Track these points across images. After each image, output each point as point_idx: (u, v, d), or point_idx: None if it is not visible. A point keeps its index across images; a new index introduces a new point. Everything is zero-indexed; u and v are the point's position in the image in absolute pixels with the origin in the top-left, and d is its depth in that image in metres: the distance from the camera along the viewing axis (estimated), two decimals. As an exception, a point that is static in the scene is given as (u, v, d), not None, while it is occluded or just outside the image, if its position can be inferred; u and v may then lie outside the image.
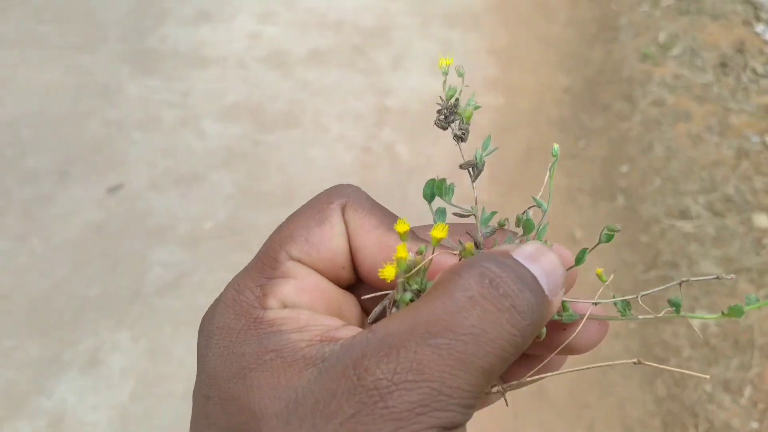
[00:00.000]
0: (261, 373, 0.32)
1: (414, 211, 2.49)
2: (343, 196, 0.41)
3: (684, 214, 2.31)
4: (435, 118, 0.41)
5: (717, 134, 2.62)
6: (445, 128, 0.41)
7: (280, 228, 0.40)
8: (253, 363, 0.33)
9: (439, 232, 0.37)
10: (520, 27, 3.39)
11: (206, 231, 2.45)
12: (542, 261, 0.34)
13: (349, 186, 0.43)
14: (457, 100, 0.41)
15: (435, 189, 0.41)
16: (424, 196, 0.41)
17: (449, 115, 0.41)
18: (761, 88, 2.81)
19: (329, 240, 0.38)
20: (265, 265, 0.38)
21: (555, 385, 1.91)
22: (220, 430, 0.33)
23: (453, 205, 0.41)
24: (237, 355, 0.34)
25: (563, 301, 0.38)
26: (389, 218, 0.40)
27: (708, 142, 2.59)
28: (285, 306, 0.36)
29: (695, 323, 1.99)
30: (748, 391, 1.81)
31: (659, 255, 2.19)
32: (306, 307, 0.36)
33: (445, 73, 0.41)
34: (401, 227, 0.37)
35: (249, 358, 0.33)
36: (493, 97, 2.99)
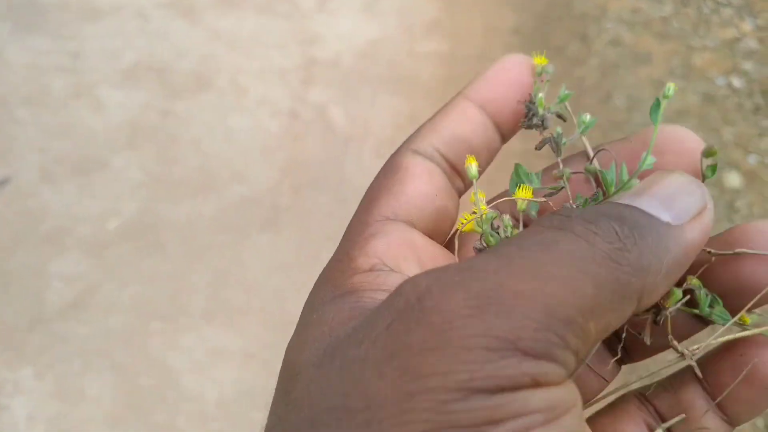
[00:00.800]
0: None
1: (351, 191, 2.19)
2: (406, 144, 0.39)
3: (650, 177, 2.10)
4: (524, 122, 0.37)
5: (680, 78, 2.37)
6: (533, 128, 0.37)
7: (366, 194, 0.37)
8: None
9: (523, 192, 0.36)
10: (458, -46, 3.00)
11: (112, 232, 2.10)
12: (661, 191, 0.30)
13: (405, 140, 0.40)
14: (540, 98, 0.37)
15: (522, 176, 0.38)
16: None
17: (542, 115, 0.37)
18: (723, 19, 2.55)
19: (409, 180, 0.36)
20: (353, 231, 0.35)
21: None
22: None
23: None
24: (323, 316, 0.30)
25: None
26: None
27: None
28: (373, 267, 0.32)
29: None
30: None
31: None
32: (394, 265, 0.33)
33: (540, 73, 0.38)
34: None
35: (328, 316, 0.30)
36: (435, 44, 2.64)
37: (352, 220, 0.36)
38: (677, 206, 0.29)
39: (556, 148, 0.38)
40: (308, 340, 0.29)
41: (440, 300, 0.25)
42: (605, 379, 0.36)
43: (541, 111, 0.37)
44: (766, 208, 1.99)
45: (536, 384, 0.25)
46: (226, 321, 1.90)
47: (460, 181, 0.39)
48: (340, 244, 0.35)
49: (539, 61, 0.38)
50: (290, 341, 0.31)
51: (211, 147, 2.32)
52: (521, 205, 0.36)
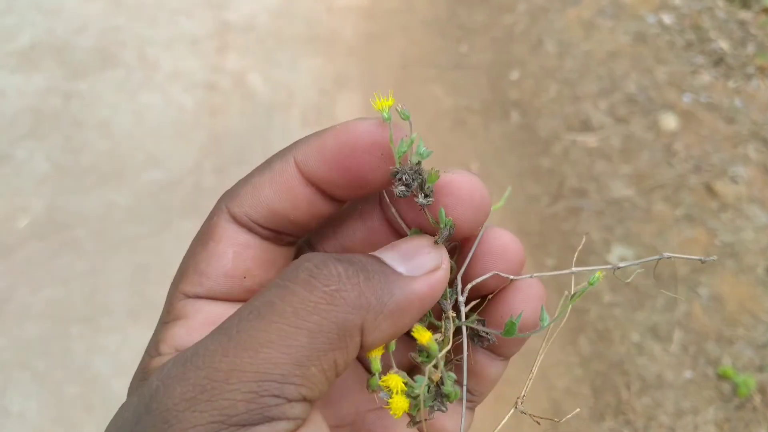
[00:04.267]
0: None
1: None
2: (222, 201, 0.36)
3: (586, 125, 2.02)
4: (395, 188, 0.34)
5: (611, 17, 2.29)
6: (406, 196, 0.35)
7: (180, 265, 0.37)
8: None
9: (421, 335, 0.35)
10: None
11: (21, 232, 1.92)
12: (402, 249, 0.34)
13: (228, 189, 0.37)
14: (419, 163, 0.35)
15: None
16: None
17: (412, 181, 0.34)
18: (650, -48, 2.47)
19: (217, 259, 0.35)
20: (164, 311, 0.36)
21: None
22: None
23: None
24: (124, 409, 0.32)
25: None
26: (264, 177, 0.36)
27: (602, 29, 2.26)
28: (177, 350, 0.34)
29: (614, 260, 1.77)
30: (677, 335, 1.64)
31: (565, 181, 1.92)
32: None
33: (388, 119, 0.35)
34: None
35: (125, 407, 0.32)
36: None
37: (167, 295, 0.36)
38: (413, 262, 0.33)
39: (445, 236, 0.36)
40: (114, 424, 0.31)
41: (162, 399, 0.28)
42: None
43: (405, 178, 0.34)
44: (703, 149, 1.95)
45: None
46: (151, 318, 1.77)
47: (287, 236, 0.38)
48: (156, 324, 0.36)
49: (381, 104, 0.35)
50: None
51: (121, 129, 2.14)
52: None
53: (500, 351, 0.40)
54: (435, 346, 0.35)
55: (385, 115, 0.34)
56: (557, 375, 1.62)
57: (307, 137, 0.35)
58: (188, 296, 0.35)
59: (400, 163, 0.34)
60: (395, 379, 0.34)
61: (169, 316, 0.35)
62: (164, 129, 2.14)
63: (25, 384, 1.70)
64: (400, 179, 0.34)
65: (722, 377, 1.56)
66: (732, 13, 2.33)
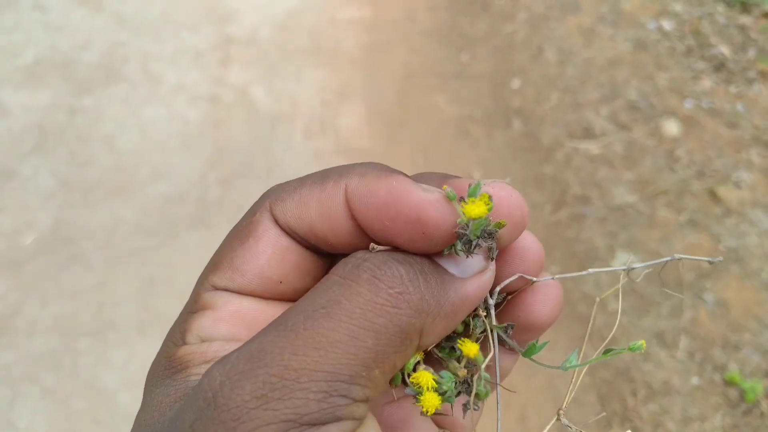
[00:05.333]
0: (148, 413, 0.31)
1: (283, 176, 2.07)
2: (267, 197, 0.36)
3: (588, 132, 2.03)
4: (459, 247, 0.34)
5: (611, 25, 2.30)
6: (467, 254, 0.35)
7: (213, 255, 0.36)
8: (156, 405, 0.31)
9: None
10: None
11: (28, 248, 1.94)
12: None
13: (276, 186, 0.37)
14: (488, 220, 0.34)
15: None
16: None
17: (482, 240, 0.34)
18: (649, -41, 2.48)
19: (254, 258, 0.35)
20: (190, 300, 0.36)
21: (476, 369, 1.67)
22: None
23: None
24: (154, 399, 0.32)
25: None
26: (319, 186, 0.35)
27: (602, 36, 2.27)
28: (203, 340, 0.34)
29: (619, 266, 1.77)
30: (683, 342, 1.64)
31: (567, 188, 1.92)
32: (224, 336, 0.34)
33: (453, 197, 0.33)
34: None
35: (158, 399, 0.31)
36: (356, 9, 2.51)
37: (195, 284, 0.36)
38: (464, 264, 0.34)
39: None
40: (144, 422, 0.31)
41: (230, 396, 0.28)
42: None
43: (473, 238, 0.34)
44: (706, 154, 1.95)
45: None
46: (159, 331, 1.78)
47: (326, 245, 0.37)
48: (180, 314, 0.36)
49: (476, 211, 0.33)
50: (133, 425, 0.33)
51: (126, 143, 2.16)
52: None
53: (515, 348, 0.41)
54: (481, 358, 0.36)
55: (450, 194, 0.33)
56: (563, 383, 1.62)
57: (367, 169, 0.35)
58: (217, 288, 0.35)
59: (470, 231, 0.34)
60: (426, 376, 0.34)
61: (195, 306, 0.35)
62: (169, 142, 2.15)
63: (33, 398, 1.71)
64: (464, 241, 0.34)
65: (729, 383, 1.56)
66: (732, 18, 2.34)
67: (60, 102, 2.29)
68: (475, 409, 0.38)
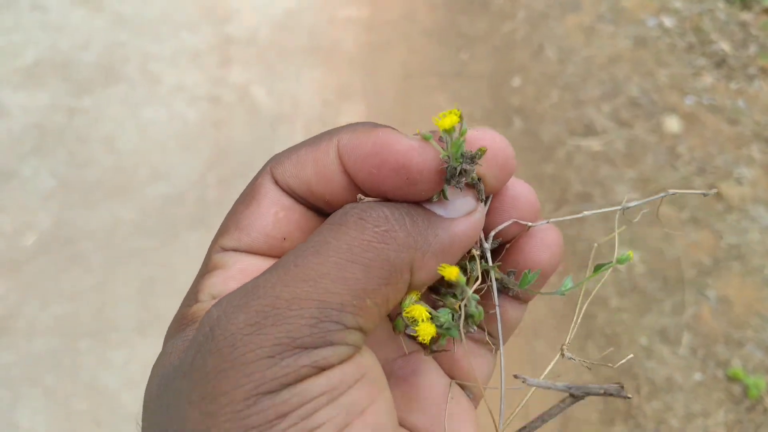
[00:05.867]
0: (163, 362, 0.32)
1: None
2: (268, 163, 0.37)
3: (589, 130, 2.03)
4: (451, 181, 0.35)
5: (611, 22, 2.30)
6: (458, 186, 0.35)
7: (222, 222, 0.38)
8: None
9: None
10: None
11: (27, 248, 1.93)
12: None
13: (277, 153, 0.38)
14: (474, 156, 0.35)
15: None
16: None
17: (465, 171, 0.35)
18: (649, -44, 2.48)
19: (258, 218, 0.36)
20: (202, 266, 0.37)
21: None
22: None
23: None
24: (166, 351, 0.33)
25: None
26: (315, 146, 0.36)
27: (602, 34, 2.27)
28: (214, 297, 0.35)
29: (620, 267, 1.76)
30: (686, 338, 1.63)
31: (569, 186, 1.92)
32: None
33: (451, 131, 0.34)
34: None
35: (169, 350, 0.33)
36: (355, 9, 2.50)
37: (207, 252, 0.38)
38: (451, 206, 0.35)
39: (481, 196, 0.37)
40: (156, 373, 0.32)
41: (226, 326, 0.29)
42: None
43: (455, 164, 0.35)
44: (707, 151, 1.94)
45: (319, 370, 0.29)
46: (159, 331, 1.77)
47: (324, 203, 0.38)
48: (195, 278, 0.37)
49: (448, 122, 0.34)
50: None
51: (126, 144, 2.16)
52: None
53: (519, 295, 0.42)
54: (463, 279, 0.36)
55: (449, 130, 0.34)
56: (566, 380, 1.62)
57: (357, 126, 0.36)
58: (226, 250, 0.36)
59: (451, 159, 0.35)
60: (419, 309, 0.35)
61: (206, 269, 0.36)
62: (168, 142, 2.15)
63: (34, 399, 1.71)
64: (458, 172, 0.35)
65: (732, 379, 1.55)
66: (733, 15, 2.33)
67: (59, 102, 2.29)
68: (471, 332, 0.39)
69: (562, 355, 0.39)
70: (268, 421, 0.28)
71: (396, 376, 0.42)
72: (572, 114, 2.06)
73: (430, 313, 0.36)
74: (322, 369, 0.29)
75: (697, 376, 1.58)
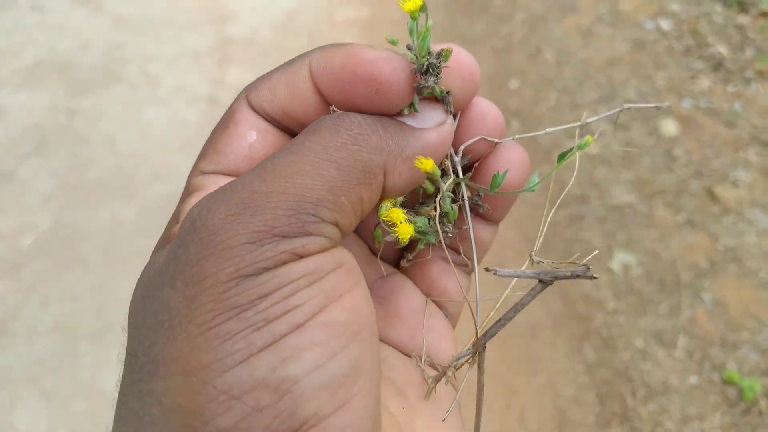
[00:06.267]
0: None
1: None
2: (244, 90, 0.38)
3: (586, 133, 2.03)
4: (417, 84, 0.36)
5: (609, 25, 2.31)
6: (427, 89, 0.36)
7: (201, 148, 0.39)
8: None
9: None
10: None
11: (27, 249, 1.94)
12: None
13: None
14: (440, 54, 0.36)
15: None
16: None
17: (433, 70, 0.36)
18: (647, -42, 2.48)
19: (235, 140, 0.37)
20: (184, 189, 0.38)
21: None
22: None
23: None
24: (150, 261, 0.34)
25: None
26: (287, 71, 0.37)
27: (600, 36, 2.28)
28: None
29: (617, 266, 1.78)
30: (681, 341, 1.64)
31: (566, 188, 1.92)
32: None
33: (416, 17, 0.36)
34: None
35: (153, 259, 0.33)
36: (355, 10, 2.51)
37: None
38: (422, 116, 0.37)
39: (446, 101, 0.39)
40: (140, 283, 0.33)
41: (207, 217, 0.30)
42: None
43: (422, 60, 0.36)
44: (704, 154, 1.96)
45: (298, 256, 0.30)
46: (159, 332, 1.78)
47: (299, 126, 0.39)
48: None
49: (412, 4, 0.36)
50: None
51: (126, 145, 2.17)
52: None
53: (489, 215, 0.44)
54: (438, 171, 0.37)
55: (414, 16, 0.35)
56: (563, 383, 1.63)
57: (327, 47, 0.37)
58: (205, 173, 0.37)
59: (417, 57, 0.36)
60: (396, 212, 0.36)
61: (186, 192, 0.37)
62: (169, 143, 2.16)
63: (33, 401, 1.71)
64: (428, 72, 0.36)
65: (728, 382, 1.57)
66: (730, 18, 2.34)
67: (60, 103, 2.30)
68: (445, 231, 0.41)
69: (531, 260, 0.40)
70: (250, 300, 0.29)
71: (376, 296, 0.44)
72: (570, 117, 2.07)
73: (407, 216, 0.37)
74: (300, 256, 0.30)
75: (693, 379, 1.59)
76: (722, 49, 2.24)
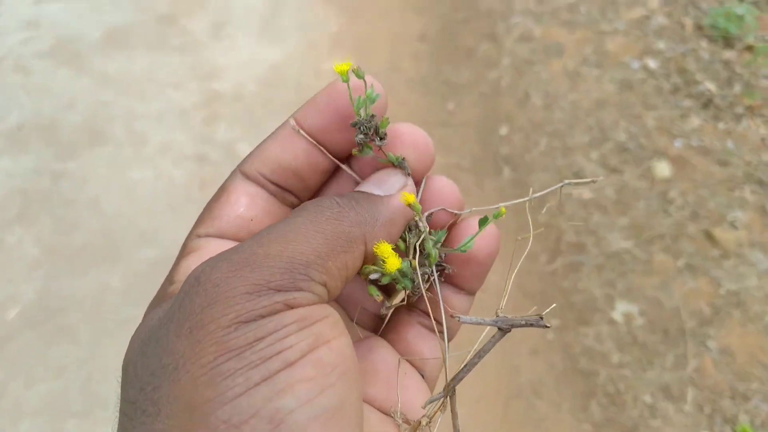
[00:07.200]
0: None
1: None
2: (238, 166, 0.44)
3: (578, 177, 2.01)
4: (356, 136, 0.43)
5: (595, 66, 2.30)
6: (365, 142, 0.43)
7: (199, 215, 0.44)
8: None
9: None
10: (353, -39, 2.85)
11: (11, 322, 1.88)
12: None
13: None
14: (373, 115, 0.43)
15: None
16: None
17: (368, 129, 0.42)
18: (629, -2, 2.49)
19: (228, 206, 0.42)
20: (180, 252, 0.42)
21: (480, 429, 1.61)
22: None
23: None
24: (145, 318, 0.37)
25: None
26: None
27: (587, 78, 2.27)
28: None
29: (619, 317, 1.74)
30: (690, 394, 1.59)
31: (562, 236, 1.89)
32: None
33: (346, 80, 0.42)
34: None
35: (149, 317, 0.37)
36: (340, 60, 2.49)
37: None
38: (386, 185, 0.43)
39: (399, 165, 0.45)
40: (136, 338, 0.35)
41: (210, 273, 0.34)
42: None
43: (362, 128, 0.42)
44: (699, 194, 1.93)
45: (290, 307, 0.34)
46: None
47: (291, 196, 0.45)
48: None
49: (342, 67, 0.41)
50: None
51: (112, 207, 2.12)
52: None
53: (460, 283, 0.47)
54: (419, 207, 0.42)
55: (343, 78, 0.41)
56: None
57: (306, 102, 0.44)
58: (200, 237, 0.42)
59: (359, 115, 0.42)
60: (385, 247, 0.40)
61: (182, 254, 0.41)
62: (155, 204, 2.12)
63: (20, 483, 1.64)
64: (358, 128, 0.42)
65: (740, 436, 1.51)
66: (716, 53, 2.34)
67: (44, 166, 2.26)
68: (427, 273, 0.45)
69: (497, 315, 0.42)
70: (248, 343, 0.32)
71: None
72: (561, 161, 2.05)
73: (394, 250, 0.40)
74: (292, 306, 0.34)
75: (704, 433, 1.54)
76: (711, 86, 2.23)
